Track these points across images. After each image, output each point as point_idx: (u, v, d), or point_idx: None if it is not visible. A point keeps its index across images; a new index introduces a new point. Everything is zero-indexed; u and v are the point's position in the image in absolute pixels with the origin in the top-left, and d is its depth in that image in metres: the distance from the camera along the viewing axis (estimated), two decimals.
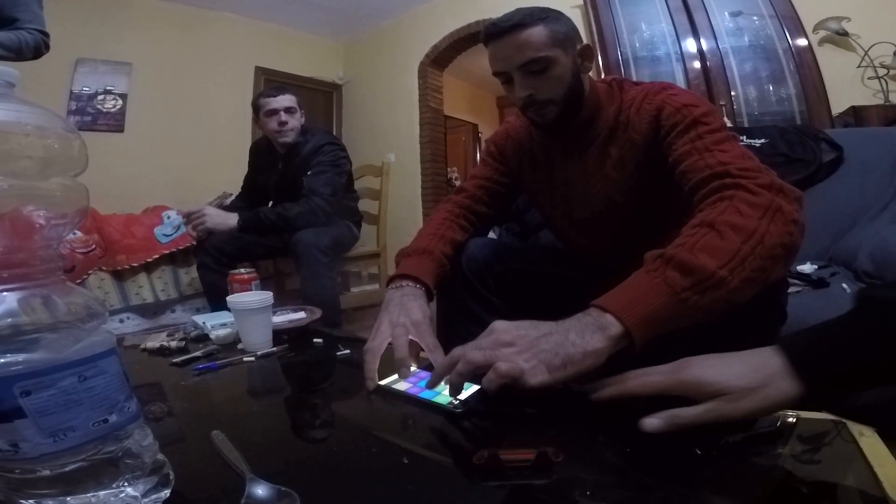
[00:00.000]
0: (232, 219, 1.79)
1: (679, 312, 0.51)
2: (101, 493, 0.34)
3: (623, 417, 0.45)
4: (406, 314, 0.69)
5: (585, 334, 0.50)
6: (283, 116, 1.87)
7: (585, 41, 0.82)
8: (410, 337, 0.65)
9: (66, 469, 0.34)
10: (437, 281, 0.81)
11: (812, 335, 0.43)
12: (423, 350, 0.66)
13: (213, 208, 1.83)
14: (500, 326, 0.54)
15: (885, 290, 0.42)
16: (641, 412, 0.44)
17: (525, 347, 0.51)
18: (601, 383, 0.51)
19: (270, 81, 3.98)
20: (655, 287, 0.52)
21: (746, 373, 0.42)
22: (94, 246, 2.02)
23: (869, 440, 0.44)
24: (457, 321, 0.89)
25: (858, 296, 0.43)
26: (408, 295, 0.73)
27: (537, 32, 0.74)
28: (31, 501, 0.33)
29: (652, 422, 0.43)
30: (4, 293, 0.34)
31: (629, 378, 0.48)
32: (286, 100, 1.88)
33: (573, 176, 0.88)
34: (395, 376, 0.64)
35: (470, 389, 0.58)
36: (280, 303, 1.03)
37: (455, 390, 0.54)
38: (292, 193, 1.88)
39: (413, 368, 0.65)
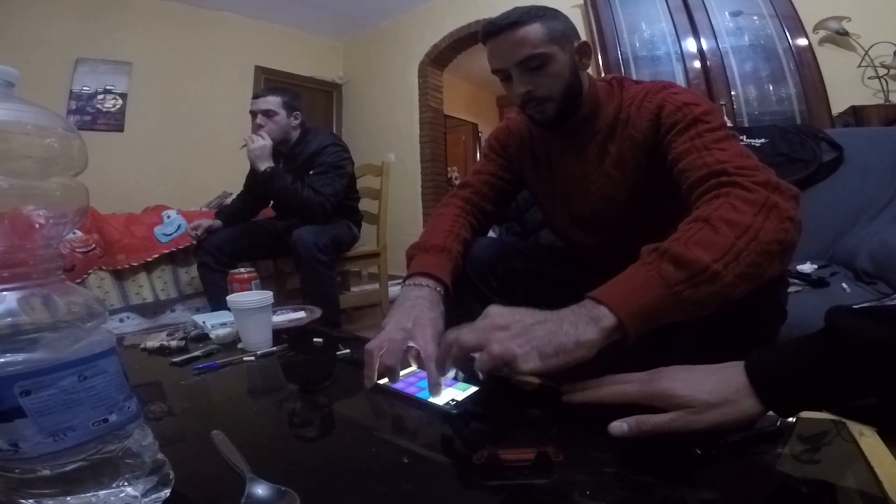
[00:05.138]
0: (264, 163, 1.79)
1: (673, 306, 0.51)
2: (101, 492, 0.34)
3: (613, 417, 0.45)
4: (414, 320, 0.66)
5: (579, 325, 0.50)
6: (260, 120, 1.85)
7: (584, 40, 0.82)
8: (410, 344, 0.63)
9: (66, 469, 0.34)
10: (454, 281, 0.79)
11: (777, 357, 0.45)
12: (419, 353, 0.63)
13: (260, 138, 1.80)
14: (495, 311, 0.54)
15: (854, 319, 0.42)
16: (619, 414, 0.45)
17: (519, 332, 0.50)
18: (578, 385, 0.52)
19: (270, 81, 3.98)
20: (650, 280, 0.52)
21: (712, 388, 0.44)
22: (94, 245, 2.02)
23: (869, 440, 0.44)
24: (458, 322, 0.89)
25: (828, 318, 0.44)
26: (423, 298, 0.71)
27: (534, 29, 0.74)
28: (31, 501, 0.33)
29: (620, 426, 0.44)
30: (4, 293, 0.34)
31: (603, 384, 0.50)
32: (264, 102, 1.86)
33: (573, 173, 0.88)
34: None
35: (469, 391, 0.58)
36: (280, 303, 1.04)
37: (465, 371, 0.52)
38: None
39: (413, 368, 0.65)
